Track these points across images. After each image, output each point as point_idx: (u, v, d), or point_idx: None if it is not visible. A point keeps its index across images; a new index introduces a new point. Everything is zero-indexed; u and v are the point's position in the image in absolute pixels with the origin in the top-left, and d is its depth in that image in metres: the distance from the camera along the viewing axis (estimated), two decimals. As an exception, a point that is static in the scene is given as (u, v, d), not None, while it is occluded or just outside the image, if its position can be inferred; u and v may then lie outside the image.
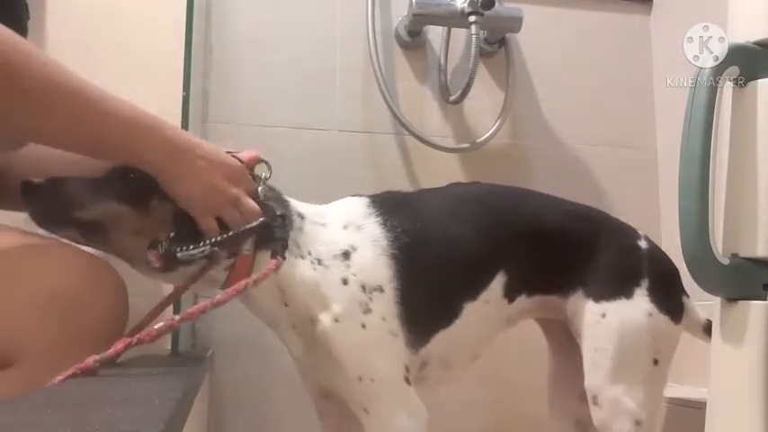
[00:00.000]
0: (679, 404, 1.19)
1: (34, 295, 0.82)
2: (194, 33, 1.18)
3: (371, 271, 0.89)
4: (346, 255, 0.89)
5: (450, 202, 1.01)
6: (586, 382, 0.97)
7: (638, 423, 0.95)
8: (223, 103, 1.43)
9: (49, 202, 0.80)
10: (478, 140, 1.49)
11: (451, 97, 1.50)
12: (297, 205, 0.93)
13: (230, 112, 1.43)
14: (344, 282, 0.87)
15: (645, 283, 0.99)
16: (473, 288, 0.97)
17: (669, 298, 1.00)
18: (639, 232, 1.06)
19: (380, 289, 0.88)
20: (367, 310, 0.87)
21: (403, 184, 1.47)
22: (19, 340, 0.80)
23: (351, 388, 0.87)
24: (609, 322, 0.97)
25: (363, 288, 0.87)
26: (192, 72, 1.16)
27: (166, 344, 1.16)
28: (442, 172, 1.48)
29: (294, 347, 0.91)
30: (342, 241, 0.90)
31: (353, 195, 0.99)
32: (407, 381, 0.88)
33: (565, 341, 1.08)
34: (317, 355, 0.88)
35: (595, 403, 0.96)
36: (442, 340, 0.94)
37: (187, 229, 0.82)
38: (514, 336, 1.12)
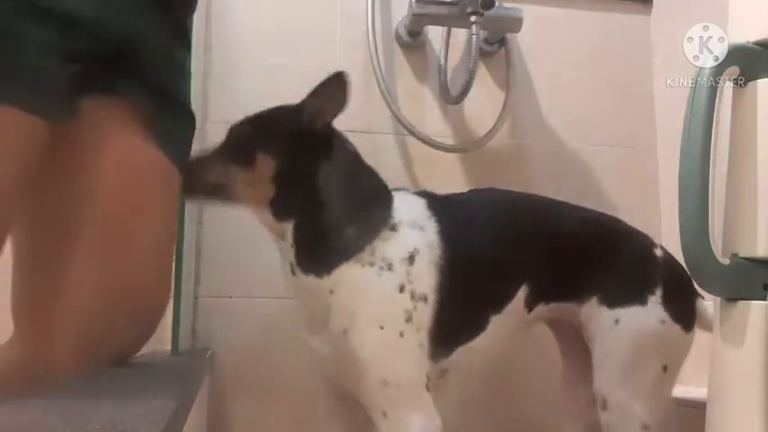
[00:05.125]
0: (679, 404, 1.19)
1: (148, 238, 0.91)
2: (194, 33, 1.18)
3: (423, 279, 0.89)
4: (411, 259, 0.89)
5: (483, 213, 1.01)
6: (595, 385, 0.98)
7: (645, 428, 0.95)
8: (223, 103, 1.43)
9: (191, 176, 0.93)
10: (478, 140, 1.49)
11: (451, 97, 1.50)
12: (401, 210, 0.93)
13: (230, 112, 1.41)
14: (401, 289, 0.87)
15: (659, 291, 0.99)
16: (500, 301, 0.97)
17: (682, 306, 1.01)
18: (655, 240, 1.06)
19: (425, 299, 0.88)
20: (408, 319, 0.87)
21: (403, 185, 1.47)
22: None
23: (373, 391, 0.87)
24: (621, 328, 0.97)
25: (413, 295, 0.87)
26: (193, 72, 1.16)
27: (166, 344, 1.16)
28: (442, 172, 1.48)
29: (321, 344, 0.90)
30: (410, 242, 0.90)
31: (400, 190, 0.98)
32: (428, 389, 0.88)
33: (576, 345, 1.08)
34: (344, 354, 0.87)
35: (604, 407, 0.96)
36: (464, 352, 0.94)
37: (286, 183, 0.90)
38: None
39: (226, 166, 0.91)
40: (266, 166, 0.90)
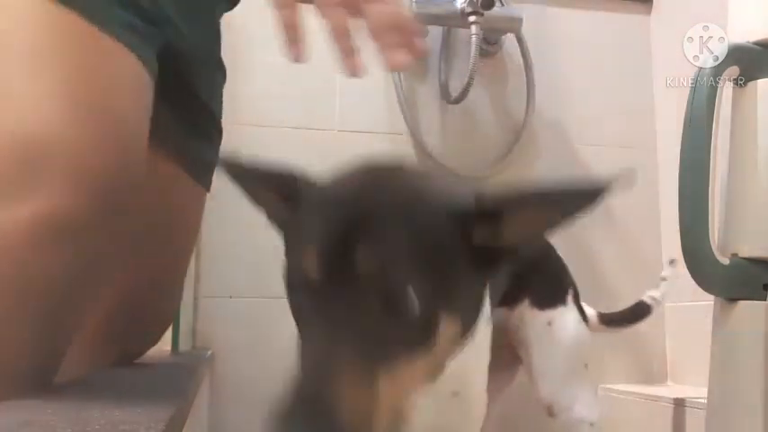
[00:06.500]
0: (679, 404, 1.19)
1: None
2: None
3: None
4: None
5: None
6: (540, 393, 0.97)
7: (591, 425, 0.96)
8: (223, 103, 1.43)
9: None
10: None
11: (451, 97, 1.50)
12: None
13: (230, 112, 1.42)
14: None
15: (571, 291, 1.01)
16: None
17: (580, 305, 1.03)
18: None
19: None
20: None
21: (403, 184, 1.47)
22: None
23: None
24: (555, 330, 0.98)
25: None
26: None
27: (166, 344, 1.16)
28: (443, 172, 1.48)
29: None
30: None
31: None
32: None
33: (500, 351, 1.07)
34: None
35: (551, 414, 0.97)
36: None
37: None
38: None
39: None
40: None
